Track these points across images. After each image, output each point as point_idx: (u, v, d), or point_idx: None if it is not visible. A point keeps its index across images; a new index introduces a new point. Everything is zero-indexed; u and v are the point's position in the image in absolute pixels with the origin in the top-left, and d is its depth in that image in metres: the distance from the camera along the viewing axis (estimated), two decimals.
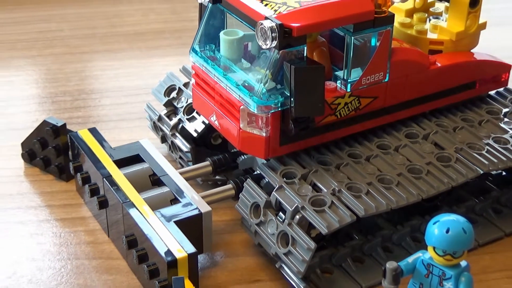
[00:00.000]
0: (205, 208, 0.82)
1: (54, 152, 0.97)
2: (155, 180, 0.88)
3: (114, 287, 0.82)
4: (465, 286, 0.68)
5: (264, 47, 0.75)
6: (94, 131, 0.94)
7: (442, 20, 0.94)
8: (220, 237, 0.88)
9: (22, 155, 1.00)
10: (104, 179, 0.86)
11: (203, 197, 0.84)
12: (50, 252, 0.86)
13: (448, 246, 0.67)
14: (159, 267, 0.76)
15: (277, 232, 0.78)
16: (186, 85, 0.99)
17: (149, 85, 1.10)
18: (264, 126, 0.79)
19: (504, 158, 0.84)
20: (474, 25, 0.90)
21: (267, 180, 0.81)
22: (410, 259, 0.71)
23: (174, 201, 0.84)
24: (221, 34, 0.84)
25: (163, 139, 1.01)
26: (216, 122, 0.86)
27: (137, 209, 0.81)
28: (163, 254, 0.75)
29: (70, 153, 0.96)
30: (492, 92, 0.96)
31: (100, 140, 0.93)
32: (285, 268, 0.79)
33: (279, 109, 0.78)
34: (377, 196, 0.78)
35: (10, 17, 1.47)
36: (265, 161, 0.83)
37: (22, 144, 1.00)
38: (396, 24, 0.90)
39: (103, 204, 0.86)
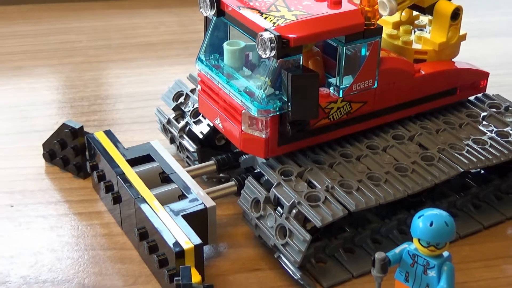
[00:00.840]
0: (210, 203, 0.81)
1: (72, 152, 0.97)
2: (164, 177, 0.87)
3: (127, 275, 0.81)
4: (447, 275, 0.68)
5: (263, 56, 0.75)
6: (109, 133, 0.94)
7: (426, 32, 0.94)
8: (223, 230, 0.88)
9: (43, 155, 1.00)
10: (118, 176, 0.85)
11: (208, 193, 0.84)
12: (69, 243, 0.86)
13: (431, 238, 0.67)
14: (168, 257, 0.76)
15: (276, 225, 0.77)
16: (192, 91, 0.99)
17: (159, 91, 1.10)
18: (264, 129, 0.79)
19: (483, 158, 0.84)
20: (455, 37, 0.90)
21: (266, 178, 0.81)
22: (397, 250, 0.71)
23: (182, 196, 0.84)
24: (225, 44, 0.83)
25: (172, 140, 1.01)
26: (220, 125, 0.86)
27: (148, 204, 0.81)
28: (171, 245, 0.75)
29: (87, 153, 0.95)
30: (471, 98, 0.95)
31: (114, 141, 0.92)
32: (283, 258, 0.79)
33: (278, 113, 0.78)
34: (366, 192, 0.77)
35: (33, 29, 1.46)
36: (264, 160, 0.83)
37: (43, 145, 1.00)
38: (384, 35, 0.90)
39: (117, 199, 0.86)
